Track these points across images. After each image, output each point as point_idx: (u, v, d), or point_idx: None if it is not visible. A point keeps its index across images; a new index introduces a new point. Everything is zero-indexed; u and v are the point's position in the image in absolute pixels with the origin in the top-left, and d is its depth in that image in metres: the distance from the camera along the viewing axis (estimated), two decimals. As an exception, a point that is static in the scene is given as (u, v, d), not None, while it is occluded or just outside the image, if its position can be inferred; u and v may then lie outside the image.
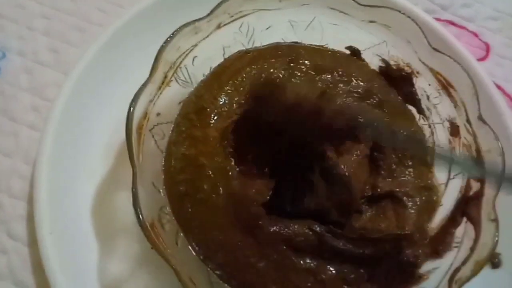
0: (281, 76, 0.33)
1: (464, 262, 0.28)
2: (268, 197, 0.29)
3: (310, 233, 0.29)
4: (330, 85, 0.34)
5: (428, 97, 0.36)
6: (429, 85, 0.35)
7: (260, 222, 0.28)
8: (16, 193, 0.36)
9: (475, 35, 0.49)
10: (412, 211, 0.32)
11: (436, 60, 0.34)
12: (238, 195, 0.28)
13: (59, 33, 0.43)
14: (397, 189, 0.32)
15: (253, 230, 0.28)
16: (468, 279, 0.27)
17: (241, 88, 0.32)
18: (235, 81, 0.32)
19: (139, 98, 0.28)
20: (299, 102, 0.30)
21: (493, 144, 0.31)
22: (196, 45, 0.33)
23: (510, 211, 0.29)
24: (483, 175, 0.29)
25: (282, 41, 0.37)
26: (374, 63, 0.37)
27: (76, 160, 0.35)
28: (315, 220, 0.30)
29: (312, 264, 0.28)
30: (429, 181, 0.34)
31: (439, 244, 0.31)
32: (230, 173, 0.29)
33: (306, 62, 0.35)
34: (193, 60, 0.33)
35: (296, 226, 0.29)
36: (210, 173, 0.29)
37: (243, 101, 0.31)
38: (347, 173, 0.30)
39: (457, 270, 0.27)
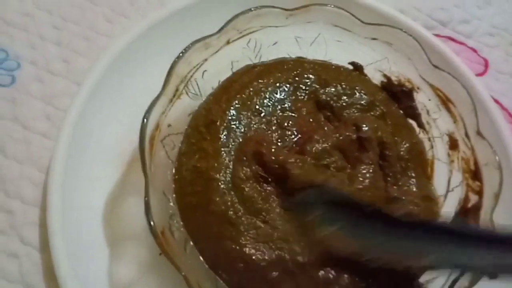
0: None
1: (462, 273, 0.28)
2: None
3: None
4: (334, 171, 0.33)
5: (428, 112, 0.37)
6: (429, 100, 0.37)
7: None
8: (29, 200, 0.37)
9: (474, 51, 0.51)
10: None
11: (436, 76, 0.35)
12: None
13: (68, 43, 0.44)
14: (403, 197, 0.33)
15: None
16: (467, 289, 0.27)
17: (249, 102, 0.33)
18: (243, 95, 0.34)
19: (152, 110, 0.29)
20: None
21: (491, 158, 0.32)
22: (206, 59, 0.34)
23: (507, 223, 0.30)
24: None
25: (288, 56, 0.38)
26: (376, 78, 0.38)
27: (88, 168, 0.36)
28: None
29: (327, 275, 0.28)
30: (430, 192, 0.34)
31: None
32: (245, 190, 0.30)
33: (311, 76, 0.37)
34: (203, 73, 0.34)
35: None
36: (223, 188, 0.30)
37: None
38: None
39: (455, 280, 0.28)
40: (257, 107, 0.34)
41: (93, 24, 0.46)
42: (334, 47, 0.38)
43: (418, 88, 0.37)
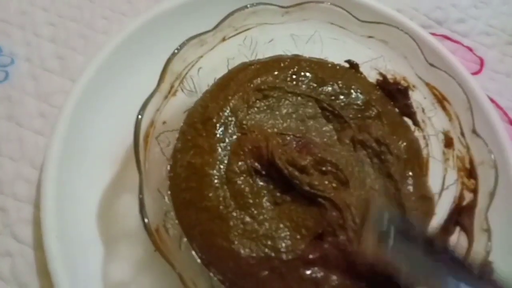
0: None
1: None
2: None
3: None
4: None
5: (423, 110, 0.37)
6: (425, 98, 0.37)
7: None
8: (22, 197, 0.37)
9: (470, 49, 0.51)
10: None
11: (431, 75, 0.35)
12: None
13: (64, 40, 0.44)
14: (406, 204, 0.33)
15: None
16: (461, 286, 0.28)
17: (246, 100, 0.33)
18: (239, 93, 0.33)
19: (147, 107, 0.29)
20: None
21: (486, 157, 0.32)
22: (201, 56, 0.34)
23: (502, 221, 0.30)
24: None
25: (284, 54, 0.38)
26: (372, 76, 0.38)
27: (82, 165, 0.36)
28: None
29: (316, 275, 0.29)
30: (427, 191, 0.34)
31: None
32: (237, 183, 0.30)
33: (308, 74, 0.36)
34: (198, 70, 0.34)
35: None
36: (216, 183, 0.30)
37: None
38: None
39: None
40: (255, 105, 0.34)
41: (90, 22, 0.45)
42: (330, 45, 0.38)
43: (413, 86, 0.37)
